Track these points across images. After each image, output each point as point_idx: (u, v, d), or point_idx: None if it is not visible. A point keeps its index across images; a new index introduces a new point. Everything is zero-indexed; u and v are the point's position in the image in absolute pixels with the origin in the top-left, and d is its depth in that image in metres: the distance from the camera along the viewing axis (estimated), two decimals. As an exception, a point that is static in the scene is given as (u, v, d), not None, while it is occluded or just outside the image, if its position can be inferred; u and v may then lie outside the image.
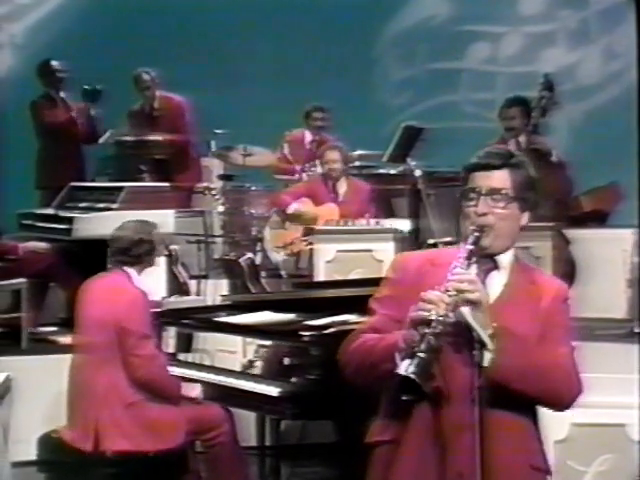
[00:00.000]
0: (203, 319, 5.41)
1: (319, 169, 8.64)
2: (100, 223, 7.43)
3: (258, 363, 4.85)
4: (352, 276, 7.28)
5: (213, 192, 8.74)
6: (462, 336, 2.95)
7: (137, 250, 5.38)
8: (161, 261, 7.44)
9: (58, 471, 5.48)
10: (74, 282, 6.16)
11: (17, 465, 5.40)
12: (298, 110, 9.42)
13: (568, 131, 10.02)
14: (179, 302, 7.46)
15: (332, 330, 4.53)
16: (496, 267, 3.11)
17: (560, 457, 4.30)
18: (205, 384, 5.17)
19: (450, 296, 2.88)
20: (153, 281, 6.34)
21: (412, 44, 11.17)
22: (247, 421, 5.61)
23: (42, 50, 10.16)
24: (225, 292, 7.78)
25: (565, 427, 4.43)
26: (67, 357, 5.53)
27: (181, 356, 5.36)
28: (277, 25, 10.75)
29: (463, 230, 3.09)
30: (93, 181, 9.05)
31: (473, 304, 2.91)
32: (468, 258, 2.98)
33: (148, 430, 5.17)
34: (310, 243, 7.98)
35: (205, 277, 8.25)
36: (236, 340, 5.09)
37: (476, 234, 3.02)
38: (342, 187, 8.40)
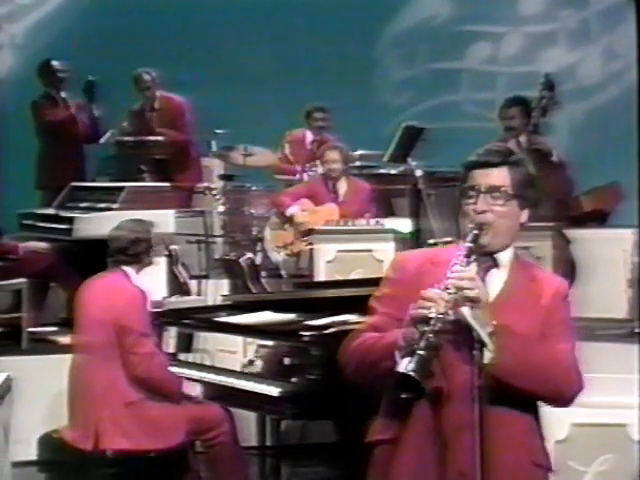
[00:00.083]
0: (203, 319, 5.42)
1: (320, 169, 8.64)
2: (101, 223, 7.42)
3: (258, 363, 4.85)
4: (352, 276, 7.28)
5: (213, 192, 8.75)
6: (462, 334, 2.94)
7: (134, 249, 5.39)
8: (161, 261, 7.46)
9: (59, 471, 5.49)
10: (74, 282, 6.16)
11: (17, 465, 5.39)
12: (299, 110, 9.42)
13: (568, 131, 10.02)
14: (179, 302, 7.47)
15: (332, 330, 4.53)
16: (496, 265, 3.11)
17: (560, 457, 4.29)
18: (205, 384, 5.18)
19: (450, 294, 2.88)
20: (153, 281, 6.35)
21: (412, 44, 11.18)
22: (247, 421, 5.61)
23: (42, 50, 10.16)
24: (225, 292, 7.78)
25: (565, 427, 4.42)
26: (67, 357, 5.54)
27: (181, 356, 5.36)
28: (277, 25, 10.76)
29: (462, 228, 3.08)
30: (94, 181, 9.05)
31: (473, 301, 2.91)
32: (467, 256, 2.97)
33: (148, 429, 5.18)
34: (310, 243, 7.98)
35: (205, 277, 8.25)
36: (236, 340, 5.08)
37: (475, 232, 3.02)
38: (342, 187, 8.40)
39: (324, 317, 4.81)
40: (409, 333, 2.88)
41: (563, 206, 7.73)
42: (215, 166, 9.52)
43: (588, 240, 7.56)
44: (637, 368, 4.92)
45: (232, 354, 5.12)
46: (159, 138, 9.03)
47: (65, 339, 6.62)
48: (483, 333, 2.92)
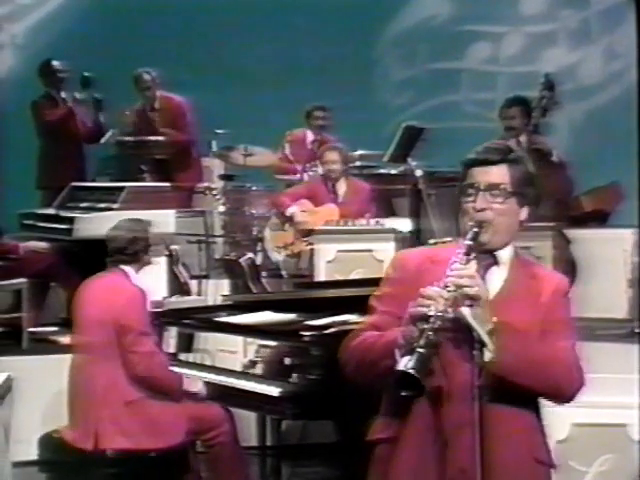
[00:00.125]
0: (204, 319, 5.42)
1: (320, 170, 8.64)
2: (101, 223, 7.40)
3: (259, 363, 4.85)
4: (353, 276, 7.28)
5: (214, 192, 8.75)
6: (462, 332, 2.94)
7: (133, 248, 5.40)
8: (162, 261, 7.46)
9: (59, 471, 5.49)
10: (75, 282, 6.15)
11: (18, 465, 5.39)
12: (299, 110, 9.42)
13: (569, 131, 10.02)
14: (180, 302, 7.47)
15: (333, 330, 4.53)
16: (496, 263, 3.11)
17: (561, 457, 4.28)
18: (206, 384, 5.18)
19: (449, 291, 2.88)
20: (154, 281, 6.35)
21: (413, 44, 11.18)
22: (248, 421, 5.61)
23: (43, 50, 10.17)
24: (226, 292, 7.78)
25: (566, 427, 4.42)
26: (67, 357, 5.54)
27: (182, 356, 5.35)
28: (277, 25, 10.76)
29: (462, 226, 3.08)
30: (94, 181, 9.05)
31: (472, 299, 2.91)
32: (467, 254, 2.97)
33: (148, 428, 5.18)
34: (310, 243, 7.98)
35: (206, 277, 8.25)
36: (237, 340, 5.08)
37: (475, 229, 3.02)
38: (342, 187, 8.40)
39: (324, 317, 4.81)
40: (409, 331, 2.88)
41: (563, 206, 7.73)
42: (215, 166, 9.53)
43: (588, 240, 7.56)
44: (637, 368, 4.92)
45: (232, 354, 5.12)
46: (159, 138, 9.04)
47: (65, 339, 6.62)
48: (483, 333, 2.92)
